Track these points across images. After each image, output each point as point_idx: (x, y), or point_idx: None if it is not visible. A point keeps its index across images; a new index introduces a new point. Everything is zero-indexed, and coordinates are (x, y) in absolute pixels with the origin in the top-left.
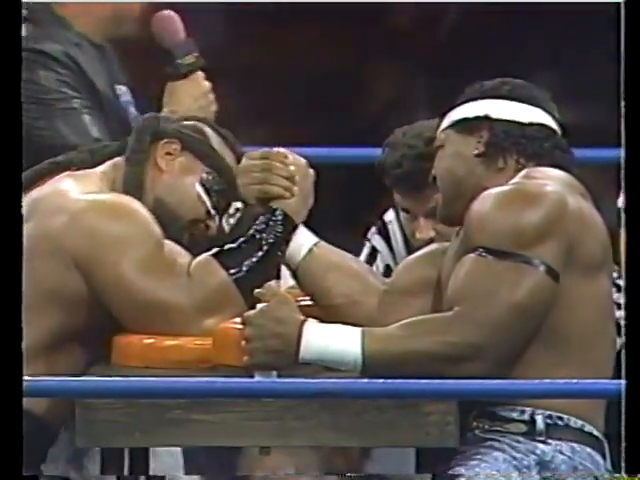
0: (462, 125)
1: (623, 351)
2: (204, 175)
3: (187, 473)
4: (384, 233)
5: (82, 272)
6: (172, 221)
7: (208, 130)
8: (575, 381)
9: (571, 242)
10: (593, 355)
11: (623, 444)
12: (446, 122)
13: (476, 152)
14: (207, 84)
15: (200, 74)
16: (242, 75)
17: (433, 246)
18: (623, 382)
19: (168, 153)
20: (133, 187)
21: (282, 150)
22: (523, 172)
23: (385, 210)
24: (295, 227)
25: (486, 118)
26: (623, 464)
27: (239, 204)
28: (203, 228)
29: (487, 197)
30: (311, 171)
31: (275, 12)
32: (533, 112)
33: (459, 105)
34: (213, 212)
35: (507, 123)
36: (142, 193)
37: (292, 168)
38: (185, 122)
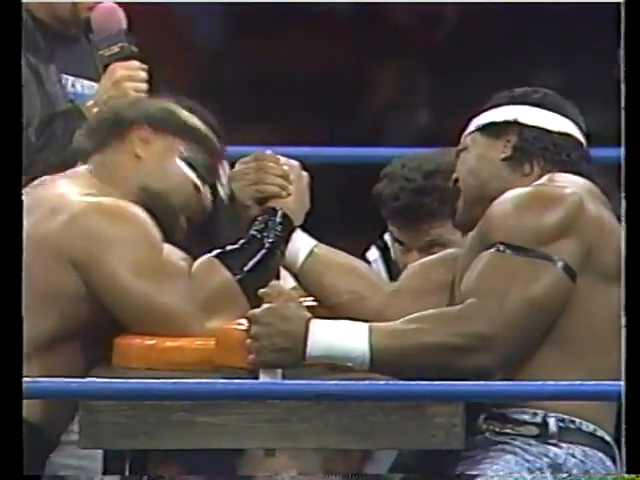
0: (489, 129)
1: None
2: (181, 148)
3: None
4: None
5: (80, 273)
6: (164, 207)
7: (173, 105)
8: (578, 382)
9: (590, 246)
10: (604, 361)
11: (623, 444)
12: (472, 126)
13: (503, 156)
14: (123, 73)
15: (118, 64)
16: (242, 75)
17: (449, 251)
18: (623, 383)
19: (141, 140)
20: (109, 178)
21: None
22: (546, 176)
23: (367, 248)
24: (293, 228)
25: (515, 123)
26: (620, 463)
27: None
28: (196, 206)
29: (507, 197)
30: (305, 173)
31: (275, 12)
32: (562, 122)
33: (486, 110)
34: (200, 185)
35: (536, 129)
36: (121, 183)
37: (285, 168)
38: (148, 103)
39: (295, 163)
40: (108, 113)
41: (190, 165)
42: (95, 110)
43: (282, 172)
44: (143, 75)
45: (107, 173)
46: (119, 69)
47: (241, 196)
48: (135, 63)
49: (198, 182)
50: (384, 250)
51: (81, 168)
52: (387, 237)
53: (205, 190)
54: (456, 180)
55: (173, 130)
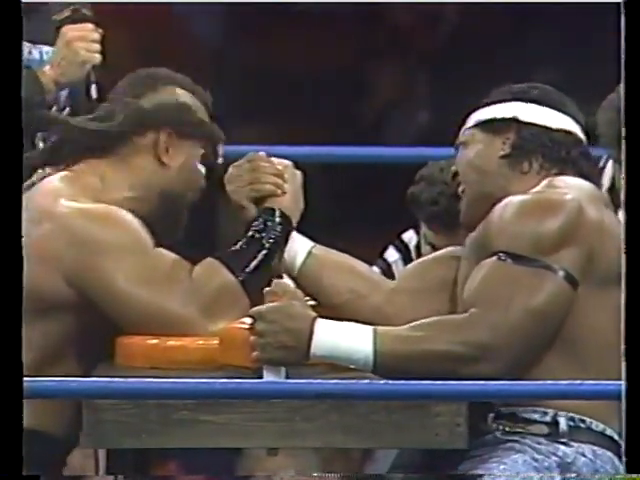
0: (488, 125)
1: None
2: (200, 151)
3: None
4: (389, 274)
5: (72, 282)
6: (179, 208)
7: (185, 97)
8: (578, 382)
9: (591, 251)
10: (608, 366)
11: (623, 444)
12: (471, 121)
13: (501, 153)
14: (74, 34)
15: (69, 26)
16: (242, 75)
17: (449, 249)
18: (623, 383)
19: (167, 146)
20: (123, 180)
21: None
22: (545, 181)
23: (384, 249)
24: (291, 229)
25: (514, 120)
26: (623, 464)
27: None
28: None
29: (507, 204)
30: (298, 172)
31: (275, 11)
32: (562, 119)
33: (486, 106)
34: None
35: (535, 127)
36: (139, 187)
37: (279, 167)
38: (166, 100)
39: (288, 162)
40: (131, 109)
41: (205, 166)
42: (50, 73)
43: (276, 171)
44: (96, 36)
45: (120, 174)
46: (70, 31)
47: (237, 197)
48: (88, 25)
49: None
50: (404, 251)
51: (78, 167)
52: (406, 238)
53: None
54: (455, 174)
55: (194, 134)
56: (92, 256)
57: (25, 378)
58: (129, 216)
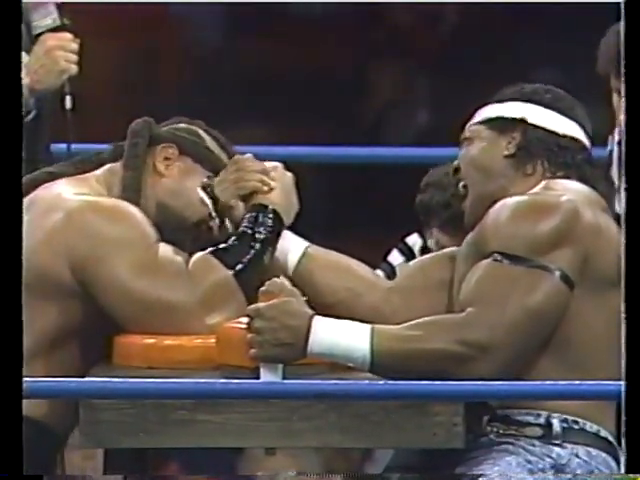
0: (495, 123)
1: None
2: (205, 180)
3: None
4: (393, 278)
5: (76, 272)
6: (176, 224)
7: (201, 132)
8: (577, 382)
9: (587, 253)
10: (603, 368)
11: (623, 444)
12: (478, 117)
13: (506, 153)
14: (54, 43)
15: (50, 35)
16: (242, 75)
17: (447, 249)
18: (623, 383)
19: (166, 158)
20: (132, 192)
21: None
22: (543, 183)
23: (388, 252)
24: (283, 226)
25: (522, 121)
26: (623, 464)
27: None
28: (205, 230)
29: (503, 205)
30: (289, 173)
31: (275, 11)
32: (569, 125)
33: (495, 103)
34: (214, 214)
35: (542, 130)
36: (141, 198)
37: (268, 167)
38: (179, 125)
39: (277, 164)
40: (145, 124)
41: (208, 194)
42: (26, 80)
43: (260, 168)
44: (74, 46)
45: (121, 183)
46: (50, 39)
47: (225, 198)
48: (67, 35)
49: (212, 211)
50: (408, 255)
51: (88, 175)
52: (411, 242)
53: (216, 219)
54: (457, 169)
55: (199, 157)
56: (98, 247)
57: (25, 378)
58: (135, 210)
